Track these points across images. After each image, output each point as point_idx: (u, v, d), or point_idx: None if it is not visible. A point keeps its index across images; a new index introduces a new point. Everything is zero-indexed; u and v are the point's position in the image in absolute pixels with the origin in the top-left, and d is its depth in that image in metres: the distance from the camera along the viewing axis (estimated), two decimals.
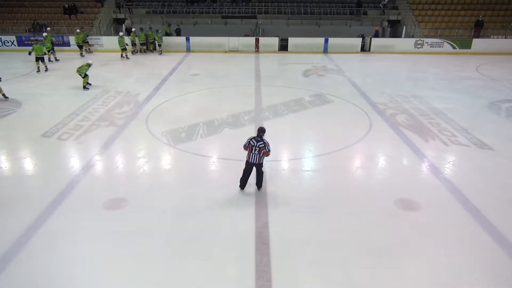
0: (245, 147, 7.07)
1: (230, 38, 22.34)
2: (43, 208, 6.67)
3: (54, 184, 7.48)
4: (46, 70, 17.08)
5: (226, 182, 7.74)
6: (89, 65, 14.17)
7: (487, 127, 10.57)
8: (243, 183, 7.29)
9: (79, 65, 14.25)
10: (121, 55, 20.25)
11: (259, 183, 7.31)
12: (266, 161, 7.52)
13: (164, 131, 10.08)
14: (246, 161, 7.09)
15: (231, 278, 5.21)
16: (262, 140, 6.96)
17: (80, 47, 20.81)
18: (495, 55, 20.11)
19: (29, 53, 16.76)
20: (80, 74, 14.05)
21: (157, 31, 21.82)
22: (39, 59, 16.60)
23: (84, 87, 14.17)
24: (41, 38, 18.71)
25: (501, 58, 20.21)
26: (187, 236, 6.04)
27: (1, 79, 12.84)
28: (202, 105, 12.46)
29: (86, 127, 10.44)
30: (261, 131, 7.02)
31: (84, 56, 20.69)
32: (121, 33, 20.39)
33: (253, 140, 6.97)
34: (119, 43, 19.96)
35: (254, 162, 7.02)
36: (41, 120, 10.92)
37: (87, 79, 14.26)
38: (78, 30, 21.09)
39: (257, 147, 6.91)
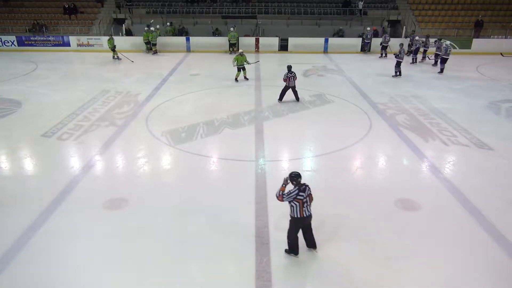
0: (284, 79, 12.26)
1: None
2: (43, 208, 6.67)
3: (54, 184, 7.48)
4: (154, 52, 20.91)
5: (226, 182, 7.76)
6: (241, 55, 14.88)
7: (487, 127, 10.56)
8: (281, 97, 12.53)
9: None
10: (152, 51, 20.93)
11: (297, 97, 12.54)
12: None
13: (164, 131, 10.08)
14: (286, 86, 12.35)
15: (231, 278, 5.22)
16: (294, 72, 12.27)
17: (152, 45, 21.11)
18: (495, 55, 20.08)
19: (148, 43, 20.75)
20: (239, 67, 14.89)
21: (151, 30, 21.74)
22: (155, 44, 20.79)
23: (236, 80, 15.22)
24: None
25: (501, 58, 20.19)
26: (187, 236, 6.04)
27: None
28: (202, 105, 12.46)
29: (86, 127, 10.44)
30: (290, 67, 12.34)
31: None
32: (152, 28, 20.75)
33: (288, 73, 12.14)
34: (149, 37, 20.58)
35: (293, 85, 12.30)
36: (41, 120, 10.91)
37: (241, 73, 15.20)
38: (152, 28, 20.89)
39: (294, 76, 12.29)
